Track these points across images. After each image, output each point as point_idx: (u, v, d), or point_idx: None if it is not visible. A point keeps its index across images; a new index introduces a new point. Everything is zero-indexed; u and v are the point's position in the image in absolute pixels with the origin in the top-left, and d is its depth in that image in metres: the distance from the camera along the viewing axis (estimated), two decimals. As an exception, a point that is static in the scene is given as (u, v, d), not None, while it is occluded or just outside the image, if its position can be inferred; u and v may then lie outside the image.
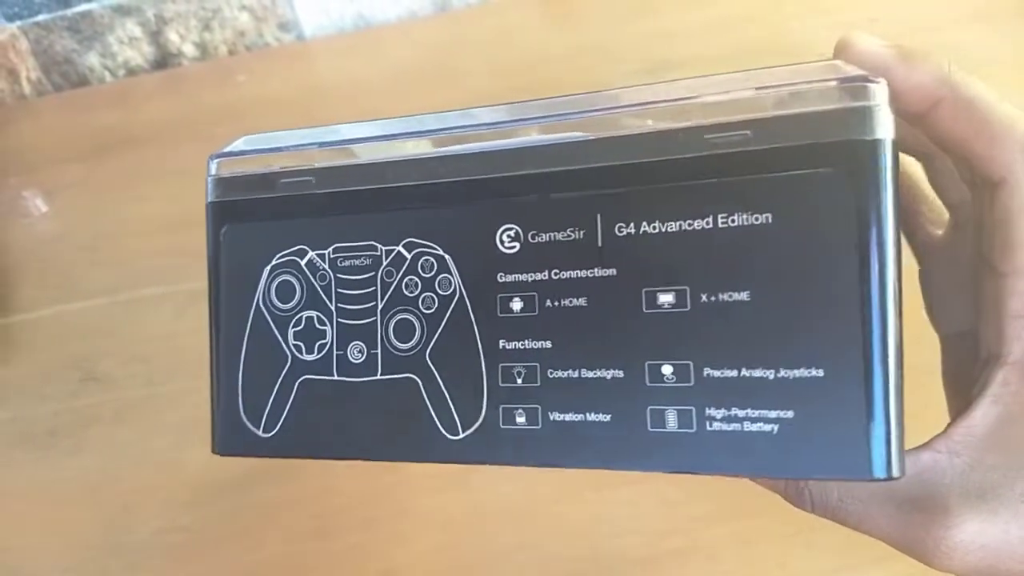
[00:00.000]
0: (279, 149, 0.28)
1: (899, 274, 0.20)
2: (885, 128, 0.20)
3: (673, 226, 0.22)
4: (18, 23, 0.67)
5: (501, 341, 0.23)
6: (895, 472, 0.20)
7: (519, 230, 0.23)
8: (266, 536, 0.41)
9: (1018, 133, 0.21)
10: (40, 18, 0.68)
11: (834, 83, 0.20)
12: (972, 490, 0.22)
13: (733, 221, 0.21)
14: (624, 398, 0.22)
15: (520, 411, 0.23)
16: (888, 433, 0.20)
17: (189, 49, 0.72)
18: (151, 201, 0.59)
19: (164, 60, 0.72)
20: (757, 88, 0.21)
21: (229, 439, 0.29)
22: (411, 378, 0.24)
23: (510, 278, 0.23)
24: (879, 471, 0.20)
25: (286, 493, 0.42)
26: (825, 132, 0.20)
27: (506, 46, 0.68)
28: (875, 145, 0.20)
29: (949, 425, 0.23)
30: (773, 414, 0.20)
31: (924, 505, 0.22)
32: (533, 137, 0.23)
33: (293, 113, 0.65)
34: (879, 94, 0.20)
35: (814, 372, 0.20)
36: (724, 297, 0.21)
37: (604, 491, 0.41)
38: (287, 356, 0.26)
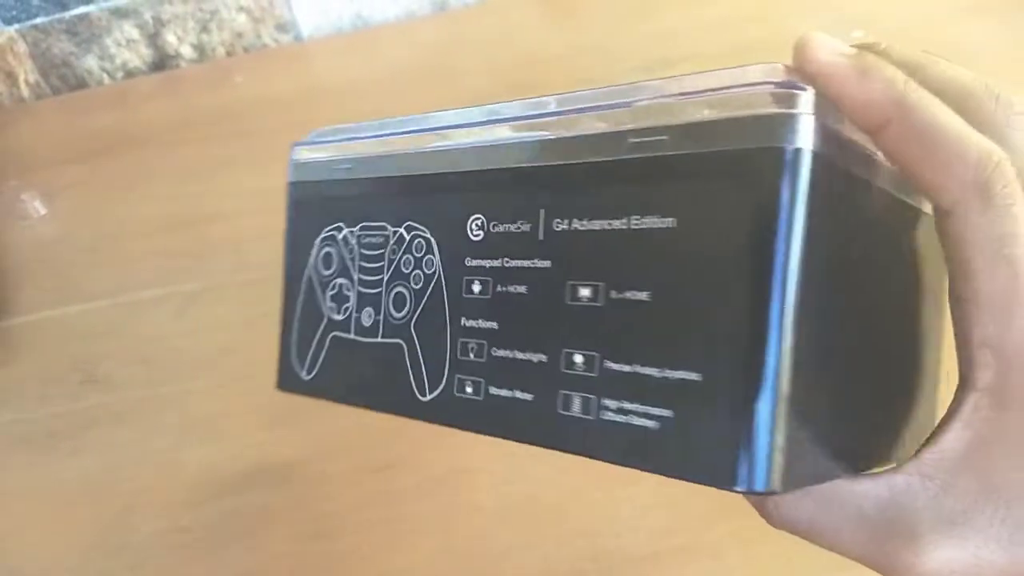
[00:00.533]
0: (334, 140, 0.32)
1: (808, 292, 0.20)
2: (803, 138, 0.20)
3: (597, 224, 0.23)
4: (16, 26, 0.67)
5: (463, 318, 0.25)
6: (769, 487, 0.20)
7: (484, 220, 0.25)
8: (266, 537, 0.41)
9: (969, 160, 0.20)
10: (38, 21, 0.68)
11: (754, 89, 0.20)
12: (944, 515, 0.22)
13: (642, 223, 0.22)
14: (544, 381, 0.23)
15: (469, 382, 0.25)
16: (762, 446, 0.20)
17: (187, 51, 0.72)
18: (150, 202, 0.59)
19: (162, 62, 0.72)
20: (681, 93, 0.21)
21: (285, 378, 0.33)
22: (399, 343, 0.27)
23: (474, 263, 0.25)
24: (742, 483, 0.20)
25: (286, 494, 0.42)
26: (737, 139, 0.20)
27: (505, 45, 0.68)
28: (780, 154, 0.20)
29: (921, 448, 0.23)
30: (655, 411, 0.21)
31: (896, 529, 0.22)
32: (494, 136, 0.25)
33: (291, 113, 0.64)
34: (800, 102, 0.20)
35: (692, 376, 0.20)
36: (629, 295, 0.22)
37: (605, 490, 0.41)
38: (323, 315, 0.31)
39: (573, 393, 0.23)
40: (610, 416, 0.22)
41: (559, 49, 0.67)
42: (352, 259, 0.29)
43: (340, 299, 0.30)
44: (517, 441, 0.24)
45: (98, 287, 0.53)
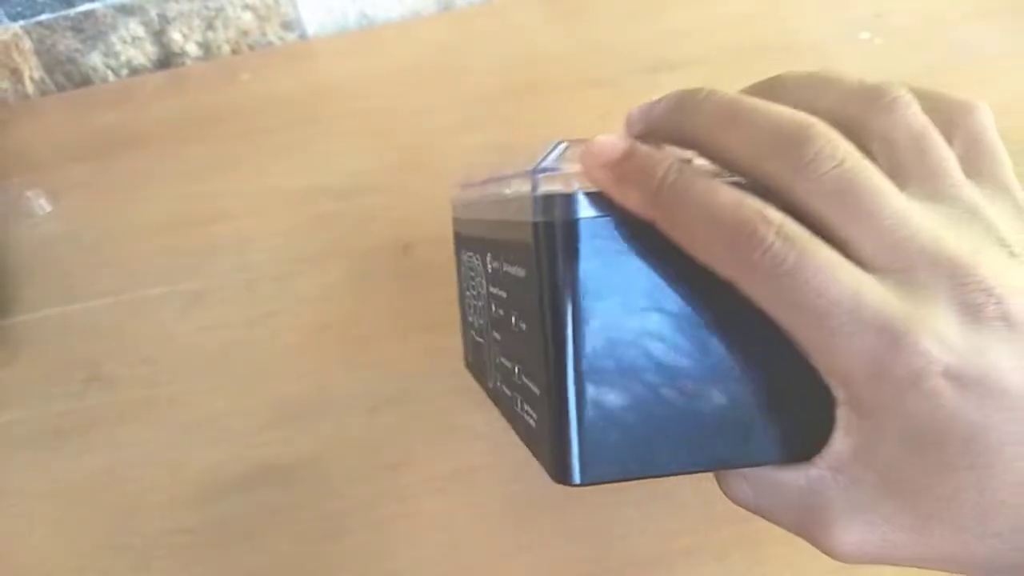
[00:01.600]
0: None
1: (592, 326, 0.24)
2: (536, 213, 0.25)
3: (507, 268, 0.28)
4: (21, 23, 0.67)
5: (492, 330, 0.32)
6: (570, 480, 0.25)
7: (490, 258, 0.31)
8: (272, 537, 0.41)
9: (724, 241, 0.22)
10: (43, 17, 0.68)
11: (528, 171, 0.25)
12: (854, 504, 0.24)
13: (512, 270, 0.28)
14: (513, 384, 0.29)
15: (495, 378, 0.32)
16: (562, 447, 0.25)
17: (192, 48, 0.72)
18: (155, 201, 0.59)
19: (167, 59, 0.72)
20: (517, 173, 0.27)
21: (466, 359, 0.40)
22: (482, 342, 0.35)
23: (491, 289, 0.32)
24: (560, 477, 0.25)
25: (291, 493, 0.42)
26: (526, 212, 0.25)
27: (510, 45, 0.68)
28: (536, 227, 0.25)
29: (828, 445, 0.24)
30: (531, 413, 0.27)
31: (815, 515, 0.25)
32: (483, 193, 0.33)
33: (296, 112, 0.64)
34: (542, 185, 0.25)
35: (536, 389, 0.26)
36: (521, 325, 0.27)
37: (610, 491, 0.41)
38: (469, 318, 0.38)
39: (515, 395, 0.29)
40: (520, 412, 0.28)
41: (564, 49, 0.67)
42: (469, 278, 0.37)
43: (468, 308, 0.38)
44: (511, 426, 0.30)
45: (102, 285, 0.53)
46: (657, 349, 0.25)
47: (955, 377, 0.21)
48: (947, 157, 0.25)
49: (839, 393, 0.23)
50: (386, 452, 0.43)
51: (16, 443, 0.46)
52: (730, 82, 0.52)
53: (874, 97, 0.25)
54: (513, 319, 0.28)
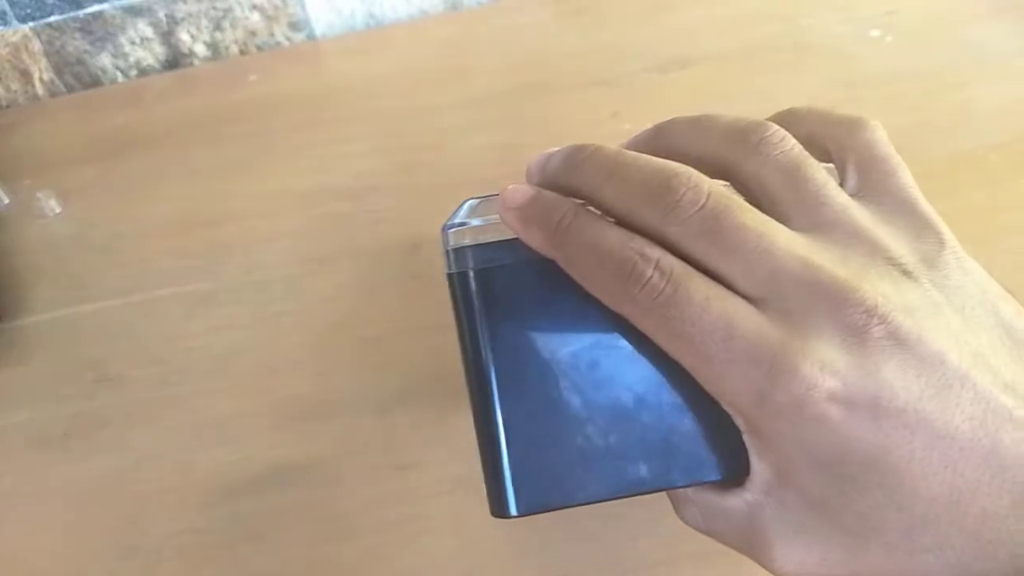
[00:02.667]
0: None
1: (510, 370, 0.26)
2: (450, 265, 0.27)
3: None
4: (30, 24, 0.67)
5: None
6: (507, 513, 0.27)
7: None
8: (281, 538, 0.41)
9: (609, 274, 0.24)
10: (52, 19, 0.68)
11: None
12: (789, 526, 0.24)
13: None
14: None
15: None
16: (496, 482, 0.27)
17: (200, 49, 0.72)
18: (164, 202, 0.59)
19: (176, 60, 0.72)
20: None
21: None
22: None
23: None
24: (497, 512, 0.27)
25: (301, 495, 0.42)
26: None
27: (518, 44, 0.68)
28: (450, 277, 0.27)
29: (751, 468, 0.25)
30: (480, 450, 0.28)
31: (756, 537, 0.25)
32: None
33: (304, 112, 0.64)
34: (451, 240, 0.27)
35: (476, 430, 0.28)
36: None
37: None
38: None
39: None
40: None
41: (573, 48, 0.67)
42: None
43: None
44: None
45: (112, 286, 0.53)
46: (571, 384, 0.26)
47: (844, 401, 0.22)
48: (823, 184, 0.25)
49: (738, 421, 0.24)
50: (396, 453, 0.43)
51: (26, 444, 0.46)
52: (739, 80, 0.53)
53: (744, 139, 0.26)
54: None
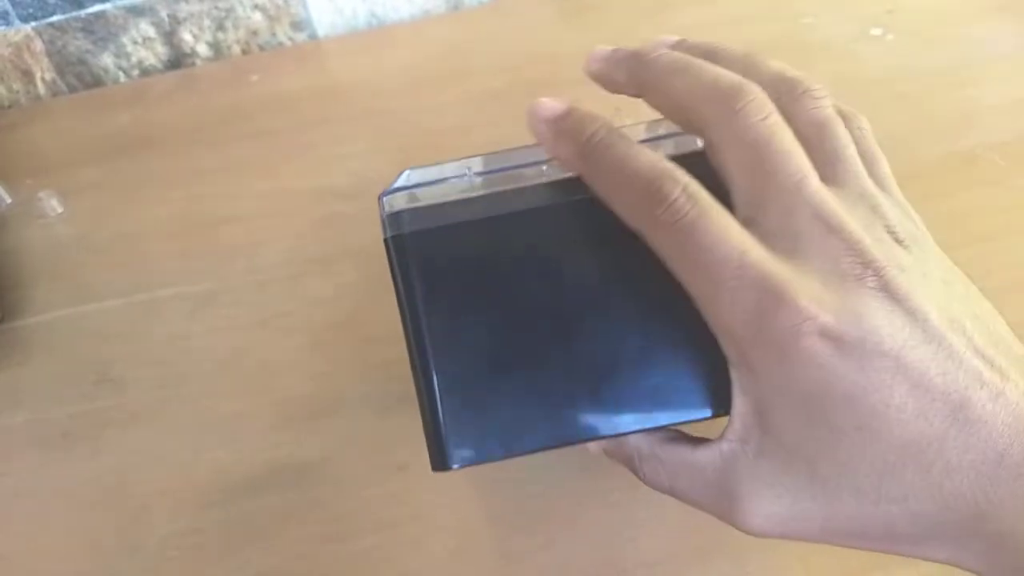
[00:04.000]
0: None
1: (444, 326, 0.27)
2: (386, 230, 0.28)
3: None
4: (32, 24, 0.68)
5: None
6: (446, 466, 0.28)
7: None
8: (282, 539, 0.41)
9: (638, 192, 0.25)
10: (54, 19, 0.68)
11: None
12: (762, 476, 0.25)
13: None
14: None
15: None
16: (435, 438, 0.28)
17: (203, 49, 0.72)
18: (166, 203, 0.59)
19: (178, 60, 0.72)
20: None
21: None
22: None
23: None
24: (435, 467, 0.28)
25: (302, 495, 0.42)
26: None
27: (519, 44, 0.68)
28: (386, 243, 0.28)
29: (732, 415, 0.27)
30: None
31: (727, 489, 0.26)
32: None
33: (307, 112, 0.64)
34: (387, 206, 0.28)
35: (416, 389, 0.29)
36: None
37: (621, 492, 0.41)
38: None
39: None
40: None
41: (574, 47, 0.66)
42: None
43: None
44: None
45: (113, 287, 0.53)
46: (509, 339, 0.27)
47: (834, 338, 0.23)
48: (847, 145, 0.27)
49: (729, 352, 0.25)
50: (397, 453, 0.43)
51: (27, 444, 0.46)
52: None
53: (791, 88, 0.28)
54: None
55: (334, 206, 0.56)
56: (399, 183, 0.28)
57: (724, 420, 0.28)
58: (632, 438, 0.29)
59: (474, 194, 0.28)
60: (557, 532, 0.40)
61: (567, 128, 0.27)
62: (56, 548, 0.42)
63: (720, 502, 0.27)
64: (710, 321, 0.25)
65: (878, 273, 0.24)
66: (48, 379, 0.49)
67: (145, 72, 0.73)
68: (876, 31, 0.63)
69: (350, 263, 0.52)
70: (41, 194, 0.59)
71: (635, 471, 0.30)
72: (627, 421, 0.28)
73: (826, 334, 0.23)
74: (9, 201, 0.60)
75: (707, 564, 0.39)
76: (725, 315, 0.24)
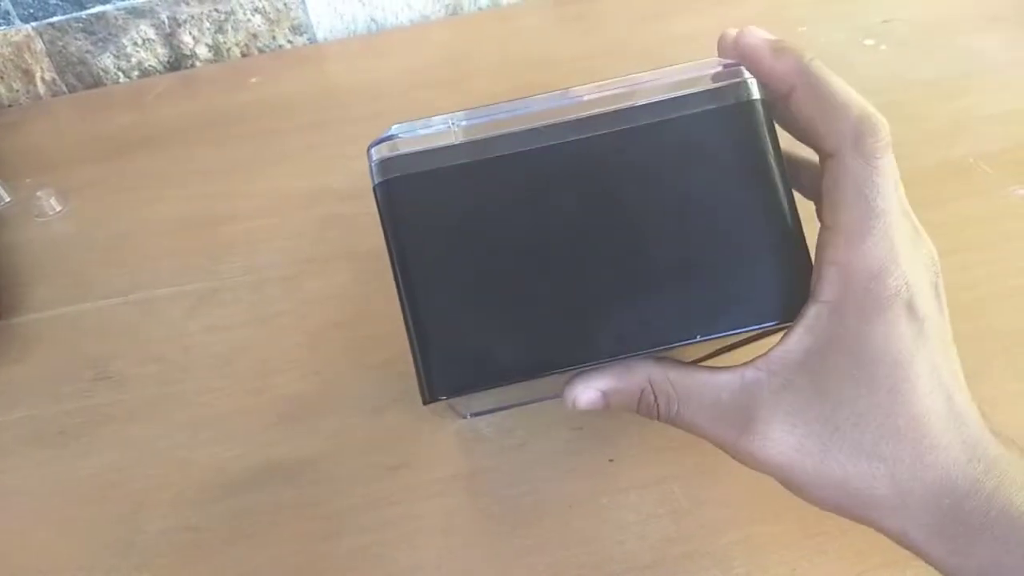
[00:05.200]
0: None
1: (429, 261, 0.28)
2: (374, 178, 0.29)
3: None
4: (33, 24, 0.68)
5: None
6: (435, 396, 0.28)
7: None
8: (276, 536, 0.41)
9: (852, 116, 0.27)
10: (55, 19, 0.68)
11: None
12: (782, 406, 0.28)
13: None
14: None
15: None
16: (425, 371, 0.28)
17: (202, 51, 0.73)
18: (164, 202, 0.59)
19: (178, 62, 0.73)
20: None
21: None
22: None
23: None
24: (424, 398, 0.29)
25: (296, 493, 0.42)
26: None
27: (518, 49, 0.68)
28: (374, 189, 0.29)
29: (772, 348, 0.28)
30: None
31: (742, 413, 0.28)
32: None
33: (306, 114, 0.65)
34: (375, 154, 0.29)
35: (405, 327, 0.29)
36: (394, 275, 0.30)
37: (610, 496, 0.41)
38: None
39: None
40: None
41: (572, 53, 0.67)
42: None
43: None
44: None
45: (112, 285, 0.54)
46: (490, 274, 0.29)
47: (911, 310, 0.27)
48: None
49: (827, 290, 0.28)
50: (391, 453, 0.44)
51: (25, 440, 0.46)
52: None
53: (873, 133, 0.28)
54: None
55: (332, 207, 0.57)
56: (387, 134, 0.29)
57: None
58: (642, 369, 0.30)
59: (458, 141, 0.29)
60: (548, 534, 0.41)
61: (788, 47, 0.29)
62: (51, 544, 0.42)
63: (731, 424, 0.29)
64: (838, 254, 0.27)
65: (936, 283, 0.28)
66: (45, 376, 0.49)
67: (145, 73, 0.73)
68: (869, 41, 0.63)
69: (347, 263, 0.53)
70: (40, 193, 0.60)
71: (644, 409, 0.31)
72: (612, 348, 0.29)
73: (910, 306, 0.27)
74: (8, 200, 0.61)
75: (696, 568, 0.39)
76: (862, 255, 0.27)
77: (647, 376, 0.30)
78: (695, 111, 0.29)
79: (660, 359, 0.31)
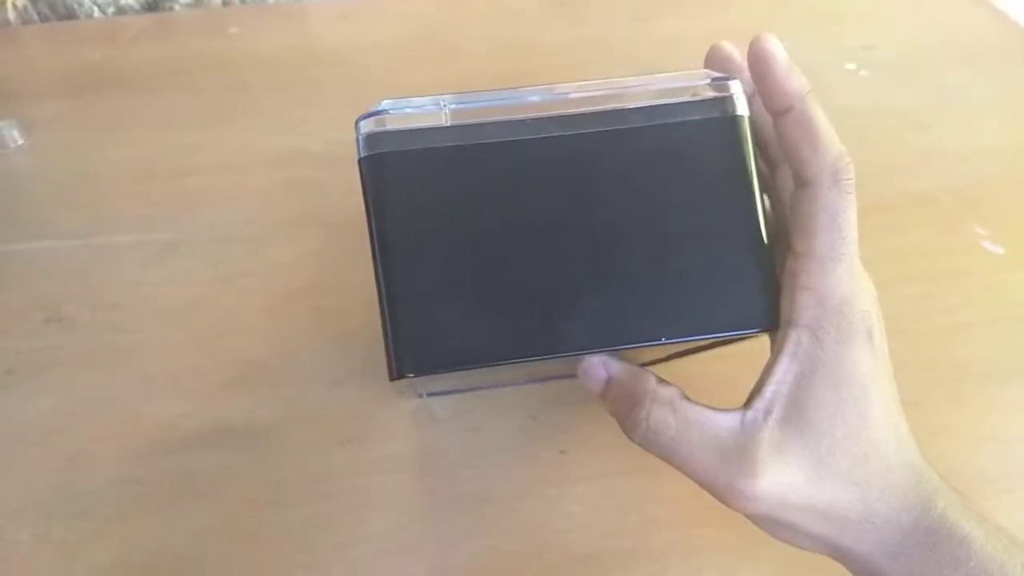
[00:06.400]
0: None
1: (405, 244, 0.29)
2: (360, 151, 0.29)
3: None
4: (8, -53, 0.66)
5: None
6: (402, 372, 0.29)
7: None
8: (223, 498, 0.41)
9: (831, 153, 0.29)
10: (31, -56, 0.66)
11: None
12: (776, 444, 0.29)
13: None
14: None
15: None
16: (395, 346, 0.29)
17: (183, -5, 0.71)
18: (131, 146, 0.58)
19: (156, 3, 0.71)
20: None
21: None
22: None
23: None
24: (392, 374, 0.29)
25: (247, 457, 0.42)
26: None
27: (504, 30, 0.68)
28: (359, 163, 0.29)
29: (763, 384, 0.30)
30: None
31: (741, 454, 0.29)
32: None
33: (283, 72, 0.64)
34: (363, 128, 0.30)
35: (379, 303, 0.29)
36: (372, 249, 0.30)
37: (558, 487, 0.42)
38: None
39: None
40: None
41: (557, 40, 0.67)
42: None
43: None
44: None
45: (70, 226, 0.53)
46: (466, 257, 0.29)
47: (872, 337, 0.29)
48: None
49: (805, 315, 0.29)
50: (344, 426, 0.44)
51: (-31, 376, 0.45)
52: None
53: (838, 172, 0.30)
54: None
55: (304, 171, 0.56)
56: (376, 108, 0.30)
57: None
58: (651, 383, 0.31)
59: (447, 124, 0.30)
60: (492, 519, 0.41)
61: (797, 71, 0.30)
62: (-11, 483, 0.42)
63: (729, 463, 0.29)
64: (813, 279, 0.29)
65: (879, 315, 0.30)
66: (-5, 312, 0.48)
67: (121, 11, 0.71)
68: (851, 66, 0.64)
69: (315, 231, 0.52)
70: (2, 123, 0.58)
71: (636, 418, 0.31)
72: (578, 342, 0.29)
73: (870, 332, 0.29)
74: (-32, 127, 0.59)
75: (632, 564, 0.40)
76: (835, 281, 0.29)
77: (654, 390, 0.31)
78: (682, 120, 0.30)
79: (664, 383, 0.31)
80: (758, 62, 0.30)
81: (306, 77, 0.63)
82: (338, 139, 0.57)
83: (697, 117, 0.30)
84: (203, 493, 0.41)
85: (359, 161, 0.29)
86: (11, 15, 0.69)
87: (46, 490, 0.41)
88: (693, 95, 0.30)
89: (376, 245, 0.29)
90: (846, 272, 0.29)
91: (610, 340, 0.30)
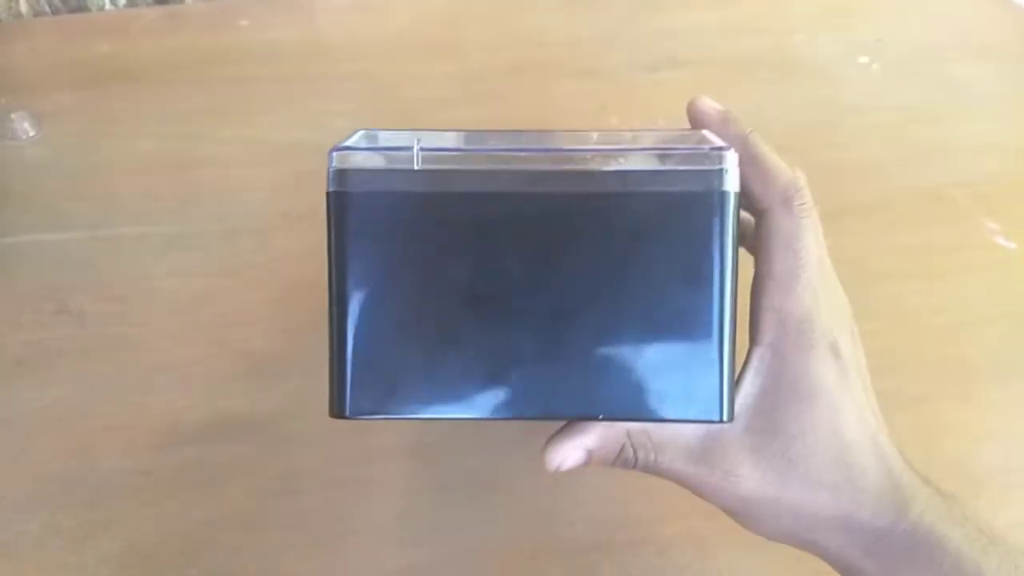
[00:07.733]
0: None
1: (365, 295, 0.29)
2: (330, 184, 0.30)
3: None
4: (20, -60, 0.66)
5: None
6: (342, 413, 0.30)
7: None
8: (228, 488, 0.41)
9: (780, 183, 0.31)
10: (43, -63, 0.66)
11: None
12: (745, 446, 0.31)
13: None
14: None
15: None
16: (338, 385, 0.30)
17: (193, -13, 0.71)
18: (141, 139, 0.58)
19: (167, -4, 0.71)
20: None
21: None
22: None
23: None
24: (334, 413, 0.30)
25: (252, 448, 0.43)
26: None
27: (515, 24, 0.68)
28: (328, 196, 0.30)
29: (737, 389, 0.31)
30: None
31: (710, 456, 0.31)
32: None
33: (292, 65, 0.64)
34: (335, 163, 0.30)
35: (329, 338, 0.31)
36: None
37: (566, 477, 0.42)
38: None
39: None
40: None
41: (565, 35, 0.67)
42: None
43: None
44: None
45: (80, 218, 0.53)
46: (422, 307, 0.29)
47: (836, 353, 0.31)
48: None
49: (767, 333, 0.31)
50: (349, 417, 0.44)
51: (-22, 367, 0.46)
52: (725, 89, 0.54)
53: (788, 198, 0.32)
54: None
55: (311, 163, 0.55)
56: (350, 142, 0.30)
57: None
58: (620, 426, 0.32)
59: (417, 167, 0.29)
60: (500, 507, 0.41)
61: (735, 118, 0.32)
62: (-1, 473, 0.42)
63: (699, 467, 0.31)
64: (773, 300, 0.31)
65: (854, 332, 0.32)
66: (6, 303, 0.48)
67: (132, 3, 0.71)
68: (863, 59, 0.64)
69: (321, 224, 0.52)
70: (14, 115, 0.58)
71: (618, 458, 0.32)
72: (519, 408, 0.29)
73: (834, 347, 0.31)
74: (-20, 119, 0.59)
75: (638, 553, 0.40)
76: (793, 300, 0.31)
77: (626, 431, 0.32)
78: (664, 190, 0.29)
79: None
80: (696, 123, 0.33)
81: (314, 71, 0.63)
82: (343, 131, 0.57)
83: (682, 188, 0.29)
84: (210, 483, 0.41)
85: (327, 194, 0.30)
86: (23, 7, 0.69)
87: (55, 479, 0.42)
88: (683, 163, 0.29)
89: (333, 282, 0.30)
90: (805, 290, 0.31)
91: (550, 409, 0.29)
